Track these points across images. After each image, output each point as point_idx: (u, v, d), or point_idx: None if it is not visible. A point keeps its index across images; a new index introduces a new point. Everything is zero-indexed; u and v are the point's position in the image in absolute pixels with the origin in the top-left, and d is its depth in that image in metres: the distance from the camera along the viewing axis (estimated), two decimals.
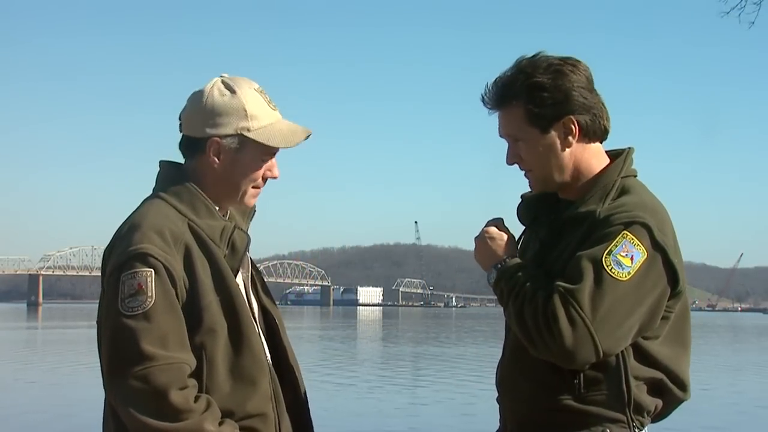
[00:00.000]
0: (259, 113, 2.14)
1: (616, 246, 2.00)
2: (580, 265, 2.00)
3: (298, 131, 2.18)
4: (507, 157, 2.22)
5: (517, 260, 2.14)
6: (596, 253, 2.00)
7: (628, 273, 1.99)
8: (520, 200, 2.35)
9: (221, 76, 2.18)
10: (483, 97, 2.19)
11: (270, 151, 2.17)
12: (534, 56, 2.15)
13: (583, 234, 2.07)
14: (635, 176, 2.19)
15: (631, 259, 2.00)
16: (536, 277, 2.06)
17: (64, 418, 13.51)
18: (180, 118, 2.18)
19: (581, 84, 2.13)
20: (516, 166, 2.23)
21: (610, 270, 1.98)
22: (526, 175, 2.22)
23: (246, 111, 2.12)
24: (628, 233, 2.01)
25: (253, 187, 2.19)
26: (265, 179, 2.20)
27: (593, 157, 2.18)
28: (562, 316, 1.95)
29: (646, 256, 2.01)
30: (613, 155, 2.22)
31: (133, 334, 1.93)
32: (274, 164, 2.20)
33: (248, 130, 2.12)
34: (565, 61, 2.14)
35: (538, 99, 2.11)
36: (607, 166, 2.18)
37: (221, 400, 2.02)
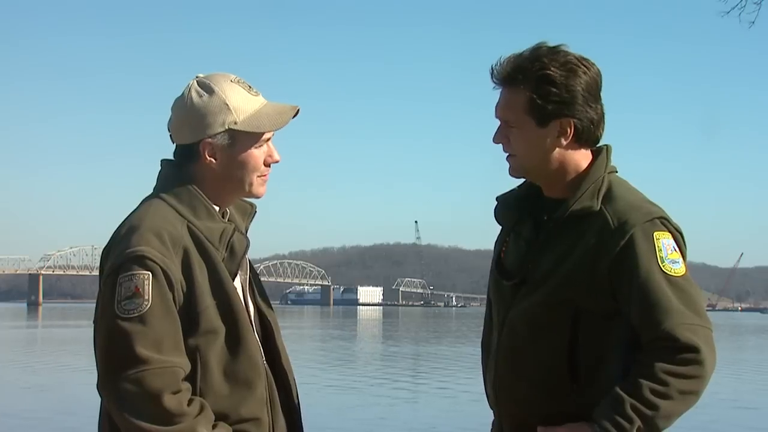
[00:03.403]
0: (242, 103, 2.13)
1: (661, 250, 2.03)
2: (649, 290, 2.00)
3: (286, 110, 2.18)
4: (494, 136, 2.20)
5: (603, 412, 1.98)
6: (652, 267, 2.02)
7: (683, 266, 2.06)
8: (496, 203, 2.34)
9: (196, 77, 2.17)
10: (492, 70, 2.17)
11: (264, 137, 2.16)
12: (554, 47, 2.14)
13: (597, 240, 2.06)
14: (616, 172, 2.21)
15: (676, 251, 2.07)
16: (629, 386, 1.97)
17: (63, 418, 13.51)
18: (169, 129, 2.19)
19: (590, 89, 2.12)
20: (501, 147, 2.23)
21: (673, 272, 2.03)
22: (507, 159, 2.21)
23: (228, 105, 2.11)
24: (658, 231, 2.06)
25: (259, 176, 2.18)
26: (267, 165, 2.19)
27: (581, 158, 2.18)
28: (693, 352, 1.97)
29: (680, 244, 2.10)
30: (594, 152, 2.22)
31: (128, 336, 1.93)
32: (272, 149, 2.19)
33: (235, 122, 2.11)
34: (581, 62, 2.13)
35: (545, 92, 2.10)
36: (591, 163, 2.19)
37: (216, 404, 2.02)
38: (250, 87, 2.18)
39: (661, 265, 2.02)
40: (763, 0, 10.69)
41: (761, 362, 29.54)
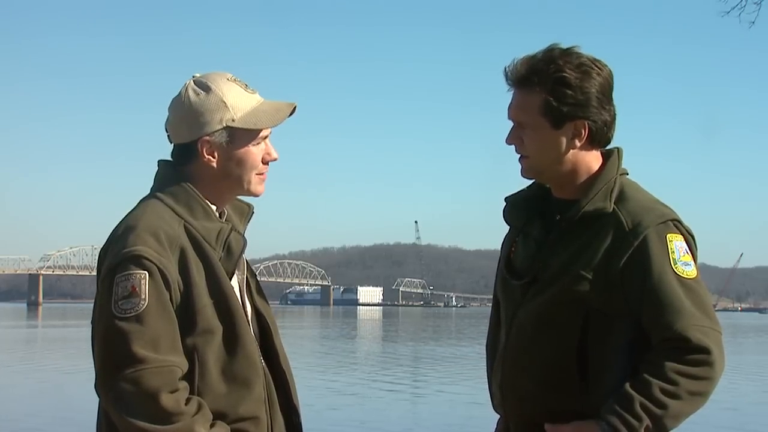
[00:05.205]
0: (239, 101, 2.14)
1: (674, 252, 2.06)
2: (662, 291, 2.02)
3: (283, 107, 2.18)
4: (508, 137, 2.21)
5: (611, 408, 1.99)
6: (665, 268, 2.04)
7: (695, 268, 2.09)
8: (504, 203, 2.35)
9: (193, 76, 2.17)
10: (507, 72, 2.17)
11: (261, 135, 2.17)
12: (567, 49, 2.14)
13: (611, 241, 2.08)
14: (627, 174, 2.23)
15: (688, 253, 2.09)
16: (639, 382, 1.99)
17: (62, 418, 13.49)
18: (166, 129, 2.19)
19: (604, 91, 2.13)
20: (513, 150, 2.23)
21: (685, 274, 2.05)
22: (520, 160, 2.22)
23: (226, 102, 2.12)
24: (671, 234, 2.08)
25: (257, 174, 2.18)
26: (265, 163, 2.20)
27: (593, 160, 2.20)
28: (701, 356, 1.99)
29: (691, 246, 2.12)
30: (604, 154, 2.24)
31: (125, 336, 1.93)
32: (269, 146, 2.20)
33: (233, 120, 2.12)
34: (595, 63, 2.13)
35: (561, 94, 2.10)
36: (603, 165, 2.20)
37: (214, 403, 2.02)
38: (246, 85, 2.18)
39: (673, 267, 2.04)
40: (763, 0, 10.71)
41: (760, 363, 29.54)
